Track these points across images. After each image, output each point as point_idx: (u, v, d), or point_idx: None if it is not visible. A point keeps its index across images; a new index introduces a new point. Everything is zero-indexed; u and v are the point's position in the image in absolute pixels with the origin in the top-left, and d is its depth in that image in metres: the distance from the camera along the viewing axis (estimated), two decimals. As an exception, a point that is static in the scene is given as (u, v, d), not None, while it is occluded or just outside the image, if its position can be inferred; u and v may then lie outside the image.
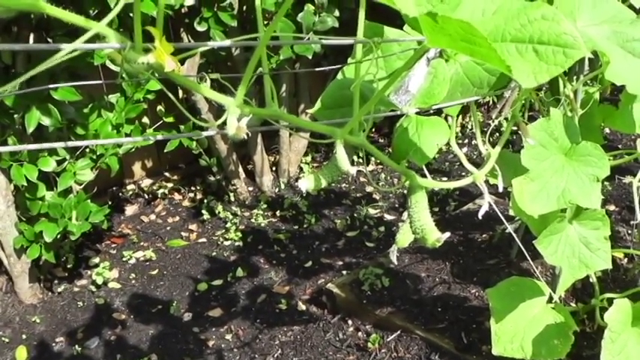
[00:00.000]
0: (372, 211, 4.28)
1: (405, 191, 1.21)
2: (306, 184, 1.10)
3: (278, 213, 4.33)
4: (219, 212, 4.31)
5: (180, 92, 3.99)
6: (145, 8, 2.82)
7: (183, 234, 4.21)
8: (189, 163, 4.75)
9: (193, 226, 4.28)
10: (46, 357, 3.16)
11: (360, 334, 3.04)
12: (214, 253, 3.95)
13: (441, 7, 0.93)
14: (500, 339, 2.06)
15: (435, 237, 1.12)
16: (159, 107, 4.01)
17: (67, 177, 3.24)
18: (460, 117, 5.31)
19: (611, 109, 2.07)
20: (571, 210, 1.86)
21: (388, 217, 4.21)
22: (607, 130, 4.80)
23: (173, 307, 3.43)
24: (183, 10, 3.55)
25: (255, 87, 3.62)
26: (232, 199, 4.46)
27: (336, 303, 3.21)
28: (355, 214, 4.21)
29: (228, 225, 4.17)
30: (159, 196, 4.62)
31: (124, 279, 3.74)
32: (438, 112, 1.48)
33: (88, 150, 3.38)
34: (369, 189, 4.59)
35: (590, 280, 2.39)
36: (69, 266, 3.70)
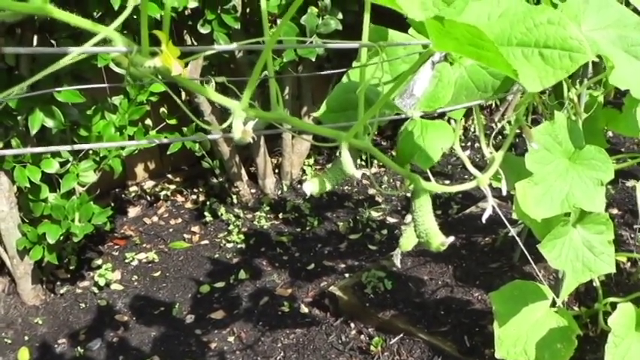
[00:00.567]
0: (374, 213, 4.27)
1: (408, 194, 1.21)
2: (311, 187, 1.10)
3: (280, 215, 4.33)
4: (221, 214, 4.31)
5: (183, 94, 4.00)
6: (150, 11, 2.82)
7: (185, 236, 4.21)
8: (191, 165, 4.75)
9: (196, 228, 4.28)
10: (48, 358, 3.16)
11: (362, 337, 3.04)
12: (217, 256, 3.95)
13: (447, 11, 0.92)
14: (504, 343, 2.05)
15: (440, 241, 1.11)
16: (162, 109, 4.01)
17: (70, 179, 3.24)
18: (462, 120, 5.30)
19: (614, 113, 2.07)
20: (575, 214, 1.86)
21: (391, 219, 4.20)
22: (610, 134, 4.79)
23: (175, 309, 3.43)
24: (186, 13, 3.55)
25: (257, 90, 3.63)
26: (235, 201, 4.46)
27: (339, 306, 3.21)
28: (358, 217, 4.21)
29: (231, 227, 4.17)
30: (161, 198, 4.62)
31: (126, 281, 3.75)
32: (441, 115, 1.48)
33: (91, 152, 3.38)
34: (371, 191, 4.59)
35: (594, 284, 2.38)
36: (71, 268, 3.70)
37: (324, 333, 3.11)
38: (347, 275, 3.53)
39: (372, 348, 2.92)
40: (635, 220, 3.65)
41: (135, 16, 2.84)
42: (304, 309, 3.34)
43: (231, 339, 3.17)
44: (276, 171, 4.75)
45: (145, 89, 3.38)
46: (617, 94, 2.43)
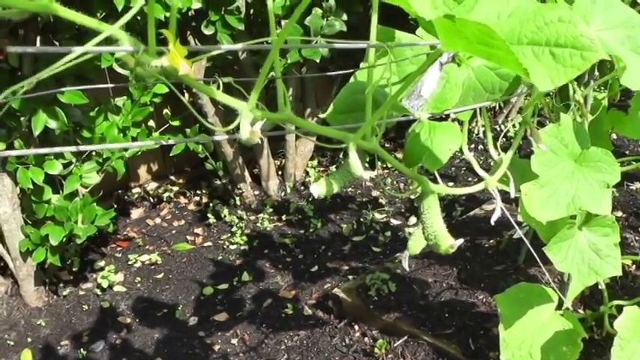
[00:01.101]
0: (378, 215, 4.26)
1: (412, 196, 1.20)
2: (319, 189, 1.09)
3: (284, 217, 4.32)
4: (224, 216, 4.30)
5: (187, 96, 3.99)
6: (156, 12, 2.81)
7: (188, 238, 4.20)
8: (194, 166, 4.74)
9: (199, 230, 4.27)
10: (51, 360, 3.16)
11: (366, 339, 3.02)
12: (220, 257, 3.94)
13: (457, 10, 0.91)
14: (509, 345, 2.04)
15: (449, 243, 1.10)
16: (165, 110, 4.00)
17: (73, 180, 3.24)
18: (467, 123, 5.29)
19: (620, 115, 2.06)
20: (581, 216, 1.85)
21: (394, 221, 4.19)
22: (614, 137, 4.78)
23: (179, 311, 3.42)
24: (190, 14, 3.54)
25: (262, 91, 3.62)
26: (238, 203, 4.45)
27: (343, 308, 3.20)
28: (361, 219, 4.20)
29: (234, 229, 4.16)
30: (164, 199, 4.61)
31: (129, 282, 3.74)
32: (446, 117, 1.47)
33: (94, 153, 3.38)
34: (375, 193, 4.58)
35: (599, 287, 2.37)
36: (74, 269, 3.69)
37: (328, 335, 3.10)
38: (351, 277, 3.52)
39: (376, 350, 2.91)
40: (640, 222, 3.64)
41: (139, 17, 2.83)
42: (308, 311, 3.32)
43: (234, 341, 3.16)
44: (280, 173, 4.74)
45: (149, 90, 3.37)
46: (622, 96, 2.42)
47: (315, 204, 4.40)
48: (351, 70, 1.35)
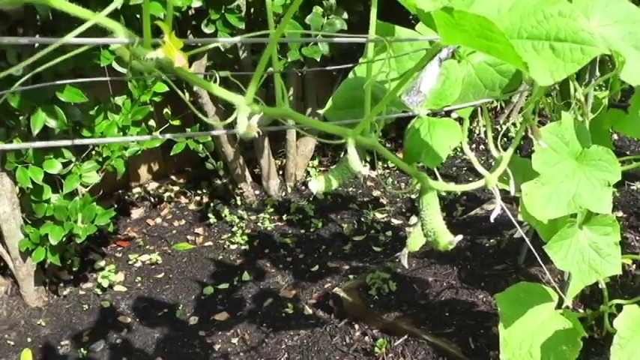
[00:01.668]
0: (379, 215, 4.26)
1: (413, 195, 1.19)
2: (317, 185, 1.09)
3: (285, 217, 4.31)
4: (225, 216, 4.29)
5: (187, 95, 3.98)
6: (153, 10, 2.81)
7: (189, 237, 4.20)
8: (195, 166, 4.74)
9: (199, 230, 4.26)
10: (51, 360, 3.16)
11: (366, 338, 3.02)
12: (220, 257, 3.93)
13: (456, 3, 0.91)
14: (509, 344, 2.03)
15: (448, 240, 1.10)
16: (165, 110, 3.99)
17: (72, 179, 3.23)
18: (468, 122, 5.28)
19: (620, 114, 2.05)
20: (581, 215, 1.84)
21: (395, 221, 4.18)
22: (615, 137, 4.78)
23: (179, 311, 3.42)
24: (190, 12, 3.54)
25: (262, 89, 3.62)
26: (239, 202, 4.44)
27: (343, 307, 3.19)
28: (362, 219, 4.19)
29: (235, 229, 4.15)
30: (165, 199, 4.61)
31: (129, 282, 3.73)
32: (447, 113, 1.47)
33: (93, 152, 3.37)
34: (376, 193, 4.57)
35: (599, 286, 2.36)
36: (74, 269, 3.69)
37: (329, 334, 3.09)
38: (351, 277, 3.51)
39: (376, 349, 2.90)
40: (641, 222, 3.63)
41: (139, 16, 2.83)
42: (308, 310, 3.32)
43: (235, 340, 3.15)
44: (280, 172, 4.73)
45: (149, 89, 3.36)
46: (623, 96, 2.41)
47: (315, 204, 4.40)
48: (351, 65, 1.34)
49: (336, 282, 3.50)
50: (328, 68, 1.49)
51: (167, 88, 3.36)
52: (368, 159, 4.76)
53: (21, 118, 2.99)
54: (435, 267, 3.37)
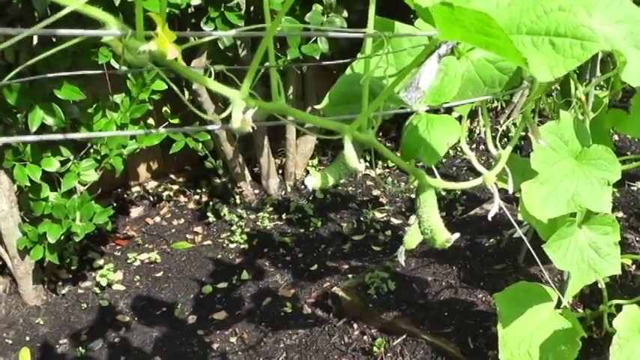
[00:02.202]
0: (378, 214, 4.25)
1: (413, 195, 1.18)
2: (313, 181, 1.08)
3: (284, 216, 4.30)
4: (224, 215, 4.28)
5: (187, 93, 3.97)
6: (151, 6, 2.79)
7: (188, 236, 4.19)
8: (194, 165, 4.73)
9: (198, 229, 4.25)
10: (49, 359, 3.14)
11: (365, 337, 3.01)
12: (219, 256, 3.92)
13: (452, -2, 0.90)
14: (507, 344, 2.03)
15: (445, 237, 1.09)
16: (164, 108, 3.98)
17: (70, 177, 3.22)
18: (468, 121, 5.28)
19: (621, 114, 2.05)
20: (581, 214, 1.83)
21: (395, 220, 4.17)
22: (616, 137, 4.77)
23: (178, 310, 3.41)
24: (189, 10, 3.53)
25: (261, 87, 3.61)
26: (238, 201, 4.43)
27: (342, 306, 3.18)
28: (361, 218, 4.18)
29: (234, 228, 4.14)
30: (164, 198, 4.60)
31: (128, 281, 3.72)
32: (448, 111, 1.46)
33: (92, 150, 3.36)
34: (375, 192, 4.56)
35: (599, 286, 2.35)
36: (73, 268, 3.68)
37: (327, 334, 3.08)
38: (350, 276, 3.50)
39: (374, 349, 2.90)
40: (641, 222, 3.63)
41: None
42: (307, 309, 3.31)
43: (233, 340, 3.14)
44: (280, 171, 4.72)
45: (147, 87, 3.35)
46: (624, 96, 2.41)
47: (315, 203, 4.39)
48: (349, 60, 1.33)
49: (335, 281, 3.49)
50: (325, 63, 1.48)
51: (166, 86, 3.35)
52: (367, 158, 4.76)
53: (18, 115, 2.98)
54: (434, 266, 3.36)
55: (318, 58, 3.58)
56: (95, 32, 0.75)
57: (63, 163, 3.21)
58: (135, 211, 4.50)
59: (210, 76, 0.86)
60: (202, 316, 3.37)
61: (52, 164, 3.13)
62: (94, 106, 3.32)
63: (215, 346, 3.12)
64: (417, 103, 1.20)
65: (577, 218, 1.85)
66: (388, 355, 2.86)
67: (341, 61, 1.33)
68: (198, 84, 3.31)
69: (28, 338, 3.26)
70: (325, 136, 1.03)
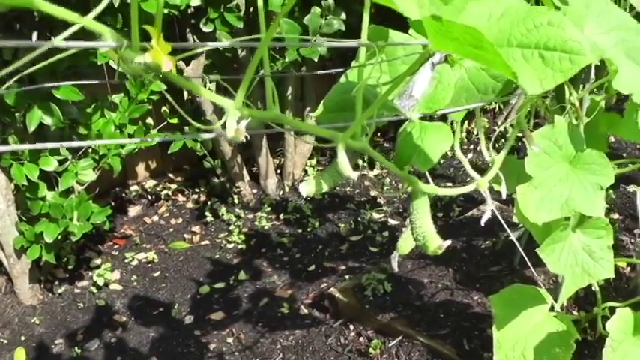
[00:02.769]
0: (376, 215, 4.26)
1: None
2: (307, 188, 1.09)
3: (282, 216, 4.32)
4: (222, 214, 4.30)
5: (186, 93, 3.98)
6: (149, 7, 2.81)
7: (186, 236, 4.20)
8: (193, 164, 4.74)
9: (196, 228, 4.27)
10: (45, 358, 3.16)
11: (361, 339, 3.02)
12: (217, 256, 3.94)
13: (446, 10, 0.91)
14: (502, 346, 2.04)
15: (437, 244, 1.10)
16: (163, 108, 3.99)
17: (68, 177, 3.23)
18: (466, 123, 5.30)
19: (616, 117, 2.06)
20: (574, 218, 1.85)
21: (392, 221, 4.19)
22: (612, 139, 4.78)
23: (175, 310, 3.42)
24: (189, 11, 3.54)
25: (261, 90, 3.63)
26: (236, 201, 4.45)
27: (339, 307, 3.20)
28: (359, 219, 4.19)
29: (232, 227, 4.16)
30: (162, 197, 4.61)
31: (125, 280, 3.74)
32: (443, 117, 1.47)
33: (90, 150, 3.37)
34: (373, 193, 4.58)
35: (593, 288, 2.37)
36: (70, 267, 3.68)
37: (324, 334, 3.10)
38: (347, 277, 3.51)
39: (370, 350, 2.91)
40: (636, 225, 3.62)
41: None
42: (304, 310, 3.32)
43: (230, 340, 3.16)
44: (278, 171, 4.73)
45: (146, 87, 3.36)
46: (619, 99, 2.42)
47: (313, 203, 4.40)
48: (344, 69, 1.34)
49: (332, 282, 3.51)
50: (325, 72, 1.49)
51: (165, 86, 3.36)
52: (366, 160, 4.77)
53: (17, 115, 2.99)
54: (430, 268, 3.38)
55: (316, 60, 3.59)
56: (92, 44, 0.76)
57: (61, 162, 3.22)
58: (133, 210, 4.51)
59: (205, 84, 0.88)
60: (199, 316, 3.38)
61: (50, 164, 3.14)
62: (93, 106, 3.34)
63: (212, 346, 3.14)
64: (410, 110, 1.21)
65: (571, 222, 1.86)
66: (384, 356, 2.87)
67: (339, 69, 1.34)
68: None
69: (23, 338, 3.27)
70: (320, 144, 1.04)
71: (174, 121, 3.95)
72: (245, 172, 4.51)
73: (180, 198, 4.66)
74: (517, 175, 1.71)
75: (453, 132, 1.48)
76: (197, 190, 4.67)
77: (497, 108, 5.58)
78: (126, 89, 3.43)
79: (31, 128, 2.92)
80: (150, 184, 4.68)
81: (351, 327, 3.10)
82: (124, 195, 4.56)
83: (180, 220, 4.40)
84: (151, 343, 3.19)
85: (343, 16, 3.62)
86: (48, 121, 2.97)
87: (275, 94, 0.95)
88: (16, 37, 2.92)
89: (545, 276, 3.06)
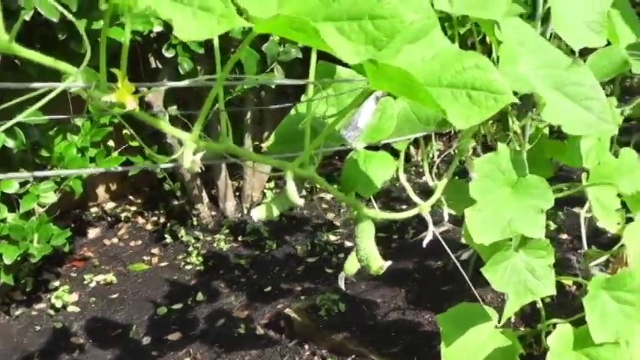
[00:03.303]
0: (332, 237, 4.34)
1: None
2: (258, 213, 1.17)
3: (240, 238, 4.37)
4: (181, 236, 4.34)
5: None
6: (115, 34, 2.86)
7: (145, 258, 4.23)
8: (153, 186, 4.78)
9: (155, 250, 4.30)
10: (1, 380, 3.16)
11: (316, 358, 3.09)
12: (175, 277, 3.97)
13: (382, 52, 1.00)
14: (450, 363, 2.13)
15: (379, 265, 1.19)
16: (124, 131, 4.03)
17: (29, 199, 3.24)
18: (422, 146, 5.40)
19: (560, 144, 2.18)
20: (517, 239, 1.95)
21: (348, 243, 4.27)
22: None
23: (132, 331, 3.44)
24: (152, 36, 3.60)
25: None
26: (195, 223, 4.49)
27: (294, 327, 3.26)
28: (316, 241, 4.27)
29: (190, 249, 4.20)
30: (122, 219, 4.64)
31: (83, 303, 3.74)
32: (385, 147, 1.56)
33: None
34: (330, 215, 4.66)
35: (537, 305, 2.47)
36: (27, 289, 3.67)
37: (279, 354, 3.15)
38: (302, 298, 3.58)
39: (325, 369, 2.98)
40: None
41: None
42: (260, 330, 3.38)
43: (187, 360, 3.20)
44: (237, 194, 4.79)
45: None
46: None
47: (271, 225, 4.46)
48: (290, 105, 1.43)
49: (288, 303, 3.57)
50: (272, 107, 1.58)
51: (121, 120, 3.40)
52: (335, 186, 4.84)
53: (-22, 137, 3.02)
54: (383, 289, 3.47)
55: (273, 87, 3.68)
56: (64, 85, 0.84)
57: (22, 184, 3.23)
58: (92, 232, 4.53)
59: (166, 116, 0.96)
60: (157, 337, 3.40)
61: (11, 186, 3.15)
62: (55, 128, 3.36)
63: (169, 366, 3.17)
64: (355, 141, 1.30)
65: (513, 243, 1.96)
66: (338, 374, 2.95)
67: (290, 104, 1.43)
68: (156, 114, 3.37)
69: (-21, 360, 3.27)
70: (274, 174, 1.13)
71: (135, 143, 3.99)
72: (204, 195, 4.56)
73: (140, 220, 4.69)
74: (466, 198, 1.81)
75: (409, 158, 1.58)
76: (156, 212, 4.71)
77: (452, 132, 5.71)
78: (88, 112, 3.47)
79: (-7, 151, 2.95)
80: (110, 205, 4.71)
81: (306, 347, 3.16)
82: (83, 217, 4.58)
83: (139, 242, 4.43)
84: (109, 364, 3.22)
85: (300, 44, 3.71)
86: (10, 143, 3.00)
87: (229, 127, 1.03)
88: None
89: (493, 294, 3.17)
